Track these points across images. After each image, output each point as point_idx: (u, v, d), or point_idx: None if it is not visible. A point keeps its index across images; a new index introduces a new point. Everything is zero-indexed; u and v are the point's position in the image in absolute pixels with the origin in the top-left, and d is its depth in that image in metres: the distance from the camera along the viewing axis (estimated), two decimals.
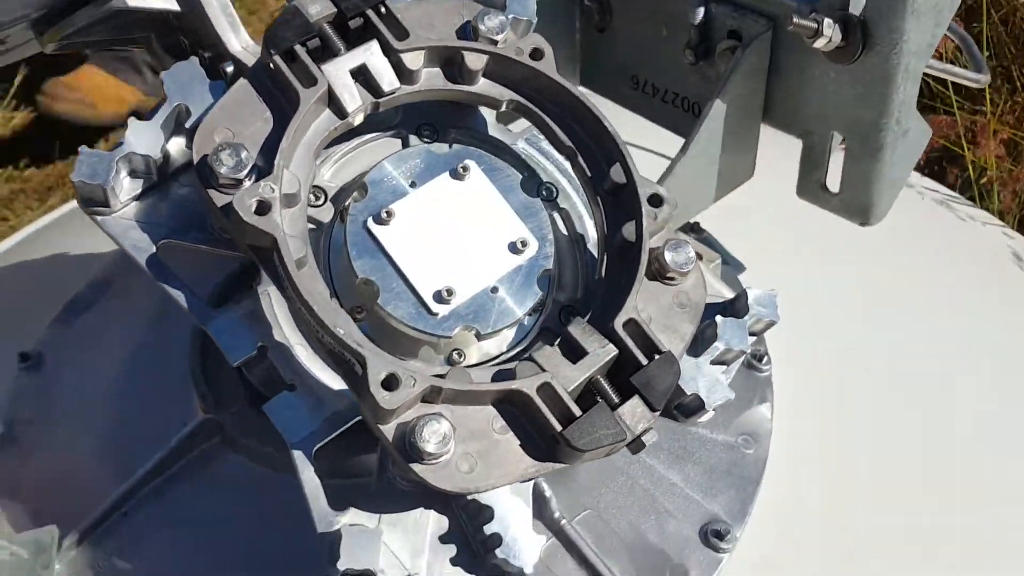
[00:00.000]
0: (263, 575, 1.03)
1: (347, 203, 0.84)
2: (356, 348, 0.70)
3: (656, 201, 0.82)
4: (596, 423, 0.72)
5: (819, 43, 1.04)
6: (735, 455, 1.09)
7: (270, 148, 0.77)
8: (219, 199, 0.75)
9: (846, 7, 1.05)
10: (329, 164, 0.88)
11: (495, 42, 0.85)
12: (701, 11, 1.19)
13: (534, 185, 0.92)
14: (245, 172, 0.75)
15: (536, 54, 0.85)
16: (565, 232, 0.92)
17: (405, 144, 0.91)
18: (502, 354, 0.85)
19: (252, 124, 0.78)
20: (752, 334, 0.91)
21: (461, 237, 0.83)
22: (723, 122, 1.17)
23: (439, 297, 0.80)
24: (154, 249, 0.81)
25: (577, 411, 0.73)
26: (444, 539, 0.79)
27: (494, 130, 0.94)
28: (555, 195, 0.92)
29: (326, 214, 0.86)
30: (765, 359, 1.18)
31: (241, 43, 0.98)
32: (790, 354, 1.21)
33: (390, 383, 0.70)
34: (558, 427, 0.72)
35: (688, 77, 1.26)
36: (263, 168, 0.77)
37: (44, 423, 1.21)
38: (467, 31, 0.86)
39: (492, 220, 0.84)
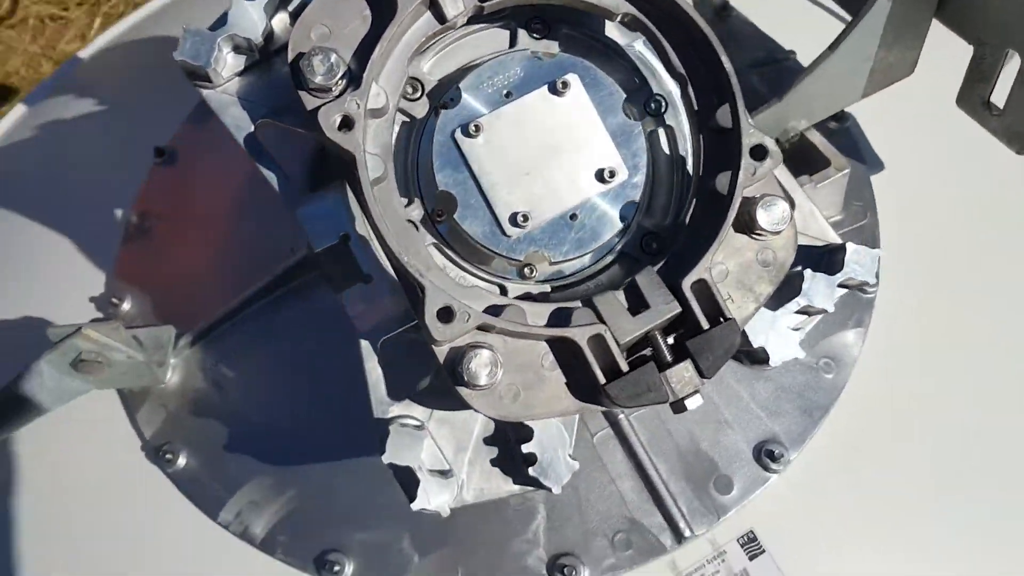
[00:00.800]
0: (345, 396, 1.13)
1: (440, 102, 0.82)
2: (418, 278, 0.72)
3: (759, 154, 0.77)
4: (640, 382, 0.73)
5: None
6: (811, 378, 1.08)
7: (365, 51, 0.76)
8: (309, 102, 0.75)
9: None
10: (430, 55, 0.86)
11: None
12: None
13: (642, 96, 0.87)
14: (336, 78, 0.74)
15: None
16: (667, 151, 0.88)
17: (513, 37, 0.87)
18: (575, 273, 0.85)
19: (350, 22, 0.76)
20: (842, 286, 0.87)
21: (549, 157, 0.81)
22: (885, 19, 1.04)
23: (514, 220, 0.80)
24: (252, 128, 0.83)
25: (625, 367, 0.74)
26: (488, 441, 0.85)
27: (611, 29, 0.88)
28: (663, 109, 0.87)
29: (421, 108, 0.84)
30: (875, 285, 1.13)
31: None
32: (904, 279, 1.15)
33: (445, 315, 0.72)
34: (602, 379, 0.74)
35: None
36: (356, 72, 0.76)
37: (174, 221, 1.32)
38: None
39: (584, 142, 0.81)
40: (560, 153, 0.81)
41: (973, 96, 1.09)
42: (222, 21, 0.81)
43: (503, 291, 0.84)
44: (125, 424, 1.16)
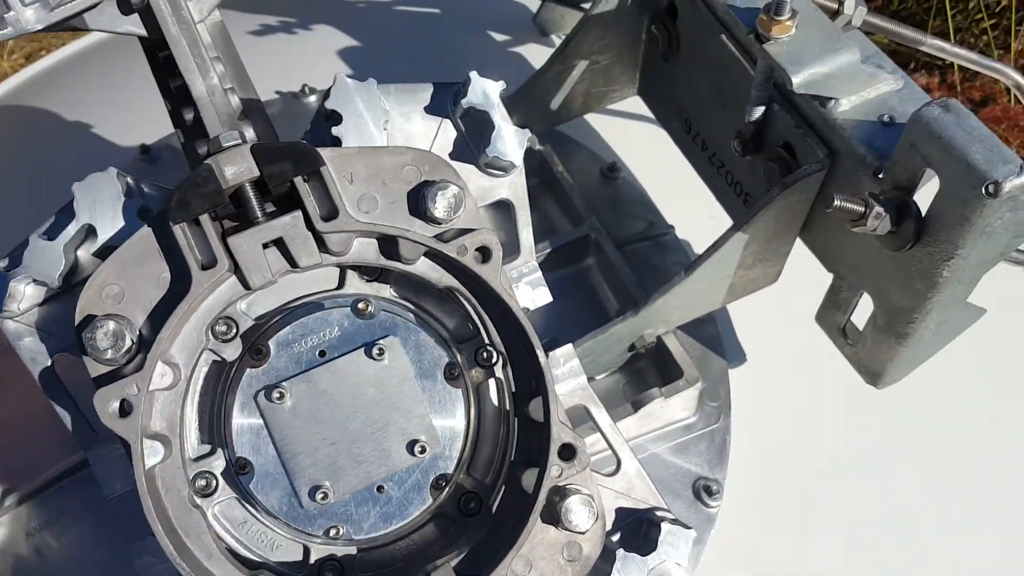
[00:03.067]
0: None
1: (253, 346, 0.78)
2: None
3: (568, 453, 0.75)
4: None
5: (859, 229, 0.88)
6: None
7: (159, 316, 0.71)
8: (94, 369, 0.71)
9: (911, 192, 0.88)
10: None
11: (444, 221, 0.75)
12: (761, 111, 1.01)
13: (474, 345, 0.83)
14: (123, 351, 0.70)
15: (484, 255, 0.74)
16: (495, 403, 0.84)
17: (342, 278, 0.82)
18: (386, 533, 0.82)
19: (145, 286, 0.72)
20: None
21: (359, 426, 0.77)
22: (743, 248, 1.03)
23: (314, 494, 0.76)
24: (49, 361, 0.78)
25: None
26: None
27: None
28: (494, 361, 0.84)
29: (233, 350, 0.80)
30: (717, 493, 1.12)
31: (207, 88, 0.88)
32: (748, 495, 1.14)
33: None
34: None
35: (733, 148, 1.10)
36: (147, 337, 0.71)
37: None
38: (420, 197, 0.75)
39: (398, 411, 0.78)
40: (371, 421, 0.77)
41: (830, 319, 1.09)
42: (16, 260, 0.75)
43: (306, 552, 0.80)
44: None
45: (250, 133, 0.88)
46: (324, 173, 0.72)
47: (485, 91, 0.83)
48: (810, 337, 1.16)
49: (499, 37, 1.73)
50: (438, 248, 0.73)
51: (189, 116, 0.90)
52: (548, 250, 1.21)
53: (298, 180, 0.71)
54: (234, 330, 0.80)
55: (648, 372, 1.17)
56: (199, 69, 0.88)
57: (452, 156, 0.86)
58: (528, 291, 0.87)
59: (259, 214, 0.72)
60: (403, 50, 1.66)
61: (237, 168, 0.70)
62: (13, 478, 1.14)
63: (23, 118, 1.65)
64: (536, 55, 1.69)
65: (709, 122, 1.16)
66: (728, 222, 1.24)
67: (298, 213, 0.72)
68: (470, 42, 1.72)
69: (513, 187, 0.88)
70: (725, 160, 1.15)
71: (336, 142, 0.81)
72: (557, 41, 1.70)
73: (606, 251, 1.22)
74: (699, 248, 1.40)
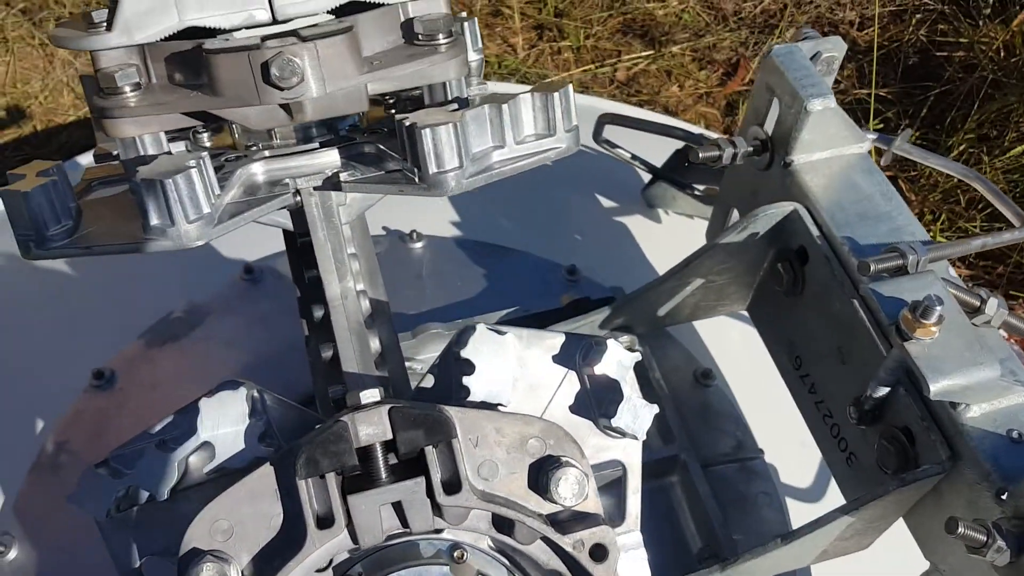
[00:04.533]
0: None
1: None
2: None
3: None
4: None
5: (976, 556, 0.84)
6: None
7: (264, 561, 0.70)
8: None
9: None
10: None
11: (563, 504, 0.73)
12: (886, 391, 0.98)
13: None
14: None
15: (600, 553, 0.72)
16: None
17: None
18: None
19: (256, 527, 0.70)
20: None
21: None
22: (844, 527, 0.99)
23: None
24: (137, 563, 0.77)
25: None
26: None
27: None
28: None
29: None
30: None
31: (342, 291, 0.88)
32: None
33: None
34: None
35: (848, 414, 1.06)
36: None
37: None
38: (541, 473, 0.73)
39: None
40: None
41: None
42: (128, 463, 0.75)
43: None
44: None
45: (375, 344, 0.88)
46: (454, 444, 0.71)
47: (619, 361, 0.82)
48: None
49: (606, 202, 1.73)
50: (555, 540, 0.71)
51: (319, 314, 0.90)
52: None
53: (428, 448, 0.70)
54: (329, 561, 0.78)
55: None
56: (337, 271, 0.88)
57: (572, 409, 0.84)
58: (627, 564, 0.84)
59: (384, 475, 0.70)
60: (511, 202, 1.67)
61: (372, 430, 0.69)
62: None
63: None
64: (639, 226, 1.69)
65: (822, 371, 1.13)
66: (818, 454, 1.22)
67: (421, 480, 0.70)
68: (578, 204, 1.72)
69: (628, 452, 0.85)
70: (834, 412, 1.12)
71: (464, 389, 0.80)
72: (663, 216, 1.70)
73: (692, 475, 1.19)
74: (786, 475, 1.37)
